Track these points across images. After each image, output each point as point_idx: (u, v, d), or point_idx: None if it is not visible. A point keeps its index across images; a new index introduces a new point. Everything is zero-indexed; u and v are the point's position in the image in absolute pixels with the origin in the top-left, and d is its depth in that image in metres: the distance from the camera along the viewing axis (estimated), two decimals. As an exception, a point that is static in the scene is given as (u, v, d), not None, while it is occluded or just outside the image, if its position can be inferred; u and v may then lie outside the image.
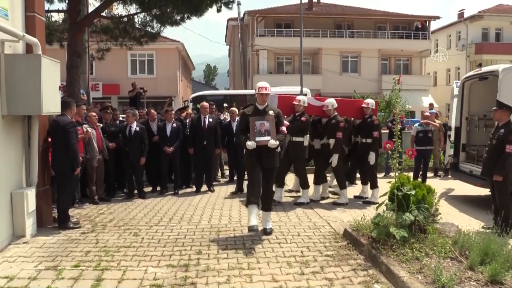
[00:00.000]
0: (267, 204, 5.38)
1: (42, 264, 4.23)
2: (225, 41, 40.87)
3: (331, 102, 7.29)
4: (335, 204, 7.20)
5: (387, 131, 11.35)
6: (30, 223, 5.11)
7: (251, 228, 5.10)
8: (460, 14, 35.26)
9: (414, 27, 31.96)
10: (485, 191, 7.39)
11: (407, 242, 4.18)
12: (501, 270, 3.45)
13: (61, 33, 12.22)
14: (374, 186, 7.49)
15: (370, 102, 7.55)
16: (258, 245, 4.84)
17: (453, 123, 8.90)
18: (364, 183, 7.75)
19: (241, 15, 31.46)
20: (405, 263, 3.85)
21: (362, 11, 33.31)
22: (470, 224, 5.80)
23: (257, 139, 5.19)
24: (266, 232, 5.22)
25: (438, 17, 32.27)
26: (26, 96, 4.79)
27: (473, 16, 32.61)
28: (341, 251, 4.63)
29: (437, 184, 9.65)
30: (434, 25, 36.54)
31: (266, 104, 5.44)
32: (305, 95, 15.23)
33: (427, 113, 9.83)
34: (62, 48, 12.52)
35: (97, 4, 11.03)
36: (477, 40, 32.52)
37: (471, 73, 8.39)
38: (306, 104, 7.16)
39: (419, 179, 8.33)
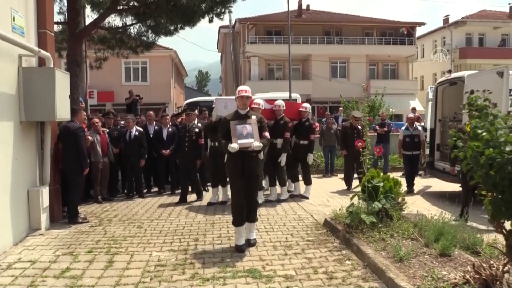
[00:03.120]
0: (252, 213, 5.04)
1: (59, 251, 4.85)
2: (217, 48, 41.58)
3: (281, 103, 7.73)
4: (279, 201, 7.59)
5: (375, 133, 11.55)
6: (44, 218, 5.73)
7: (239, 248, 4.78)
8: (445, 20, 36.38)
9: (400, 33, 32.94)
10: (458, 188, 8.09)
11: (376, 227, 4.86)
12: (450, 245, 4.14)
13: (59, 43, 12.80)
14: (308, 183, 8.16)
15: (307, 106, 8.17)
16: (248, 233, 5.48)
17: (428, 125, 9.64)
18: (307, 183, 8.21)
19: (233, 22, 32.14)
20: (373, 243, 4.53)
21: (350, 18, 34.31)
22: (438, 215, 6.47)
23: (240, 141, 4.79)
24: (250, 243, 4.94)
25: (423, 23, 33.38)
26: (41, 104, 5.41)
27: (457, 22, 33.74)
28: (320, 237, 5.30)
29: (417, 182, 10.31)
30: (419, 31, 37.69)
31: (248, 109, 5.11)
32: (295, 100, 15.96)
33: (411, 115, 10.12)
34: (61, 57, 13.15)
35: (95, 16, 11.68)
36: (461, 45, 33.65)
37: (443, 78, 9.15)
38: (263, 108, 7.36)
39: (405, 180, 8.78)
